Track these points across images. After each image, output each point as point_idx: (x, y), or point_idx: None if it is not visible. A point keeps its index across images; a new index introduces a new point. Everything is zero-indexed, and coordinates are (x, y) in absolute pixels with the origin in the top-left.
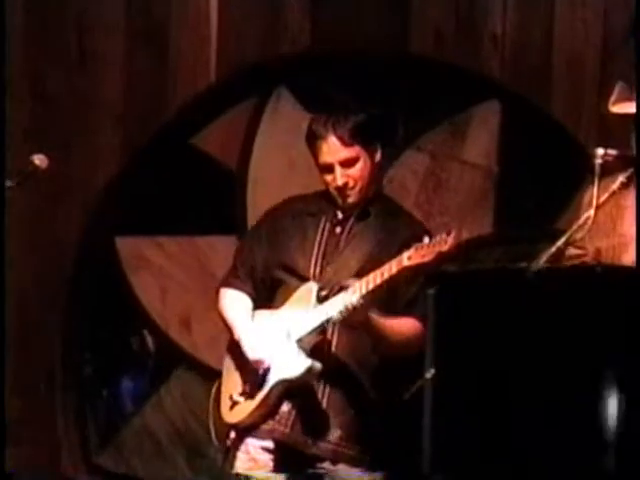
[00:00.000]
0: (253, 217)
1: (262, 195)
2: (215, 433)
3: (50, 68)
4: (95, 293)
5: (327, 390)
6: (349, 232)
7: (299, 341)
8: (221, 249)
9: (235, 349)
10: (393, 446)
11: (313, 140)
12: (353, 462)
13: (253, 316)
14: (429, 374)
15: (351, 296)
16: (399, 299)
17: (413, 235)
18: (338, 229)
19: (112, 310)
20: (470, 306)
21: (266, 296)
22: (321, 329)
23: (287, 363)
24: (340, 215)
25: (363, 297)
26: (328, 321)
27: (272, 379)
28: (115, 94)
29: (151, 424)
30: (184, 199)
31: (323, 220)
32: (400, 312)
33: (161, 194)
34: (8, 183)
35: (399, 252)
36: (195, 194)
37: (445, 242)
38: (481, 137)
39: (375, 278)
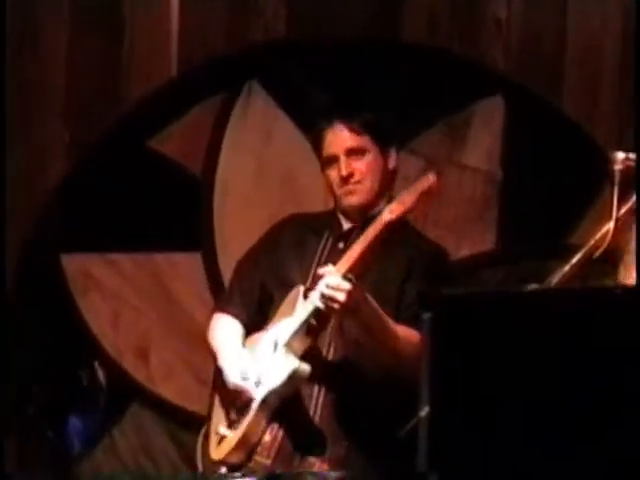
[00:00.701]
0: (220, 230)
1: (231, 204)
2: (203, 468)
3: None
4: (37, 318)
5: (316, 416)
6: (352, 245)
7: (287, 346)
8: (183, 267)
9: (221, 380)
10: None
11: (318, 134)
12: None
13: (244, 343)
14: (424, 412)
15: (332, 276)
16: (400, 314)
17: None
18: (341, 244)
19: (57, 338)
20: (470, 333)
21: (262, 319)
22: (309, 331)
23: (273, 372)
24: (345, 226)
25: (350, 277)
26: (314, 315)
27: (258, 398)
28: (59, 86)
29: (103, 468)
30: (140, 210)
31: (326, 236)
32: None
33: (113, 204)
34: None
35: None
36: (153, 204)
37: (427, 181)
38: (483, 138)
39: (358, 246)
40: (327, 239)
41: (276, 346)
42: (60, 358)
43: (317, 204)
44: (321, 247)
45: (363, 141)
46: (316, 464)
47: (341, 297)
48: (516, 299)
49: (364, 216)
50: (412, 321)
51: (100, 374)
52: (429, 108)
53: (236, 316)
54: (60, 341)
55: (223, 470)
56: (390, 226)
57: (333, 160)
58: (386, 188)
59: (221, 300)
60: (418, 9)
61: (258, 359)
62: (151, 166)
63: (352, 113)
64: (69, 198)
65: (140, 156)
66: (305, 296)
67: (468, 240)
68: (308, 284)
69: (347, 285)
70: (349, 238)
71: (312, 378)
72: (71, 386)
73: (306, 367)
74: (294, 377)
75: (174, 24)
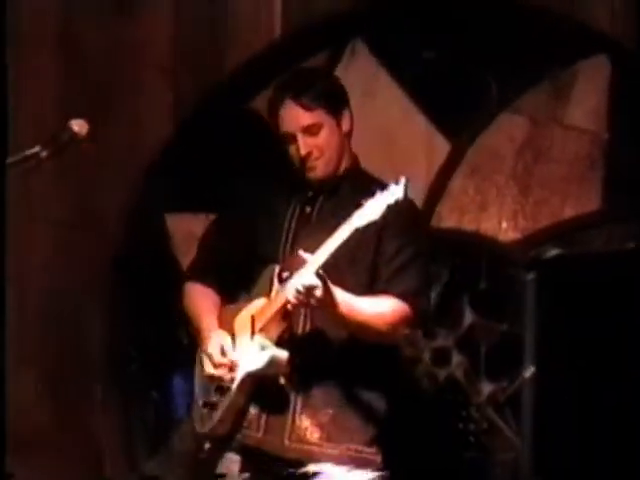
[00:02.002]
0: None
1: None
2: (195, 441)
3: (85, 17)
4: (141, 279)
5: (300, 386)
6: (319, 211)
7: (264, 329)
8: None
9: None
10: (386, 443)
11: (272, 109)
12: (338, 461)
13: (221, 312)
14: (528, 372)
15: (305, 273)
16: (380, 275)
17: None
18: (308, 208)
19: (160, 299)
20: (574, 295)
21: (237, 287)
22: (285, 315)
23: (252, 355)
24: (310, 193)
25: (321, 274)
26: (287, 305)
27: (238, 377)
28: (163, 46)
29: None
30: (242, 170)
31: (294, 200)
32: (379, 289)
33: (216, 164)
34: (43, 154)
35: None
36: (255, 165)
37: (392, 194)
38: (588, 98)
39: (327, 248)
40: (294, 204)
41: (253, 326)
42: (163, 319)
43: (416, 164)
44: (289, 214)
45: (317, 116)
46: (308, 430)
47: (318, 293)
48: (619, 259)
49: (329, 181)
50: (395, 275)
51: None
52: (533, 67)
53: (208, 284)
54: (163, 302)
55: (207, 445)
56: (358, 231)
57: (290, 138)
58: (344, 150)
59: (191, 269)
60: None
61: (236, 338)
62: (253, 127)
63: (302, 88)
64: (172, 158)
65: (243, 117)
66: (280, 278)
67: (573, 200)
68: (280, 259)
69: (320, 283)
70: (315, 202)
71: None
72: (174, 347)
73: (284, 354)
74: (272, 364)
75: None
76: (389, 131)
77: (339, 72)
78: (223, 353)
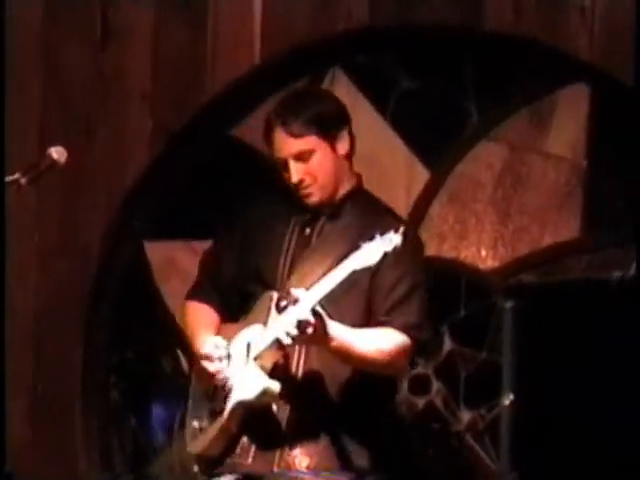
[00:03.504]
0: None
1: None
2: (180, 463)
3: (66, 44)
4: (121, 305)
5: (292, 415)
6: (319, 234)
7: (258, 358)
8: None
9: (196, 370)
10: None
11: (265, 135)
12: None
13: (219, 330)
14: (507, 399)
15: (300, 310)
16: (379, 307)
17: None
18: (307, 230)
19: (141, 325)
20: (552, 322)
21: (237, 308)
22: (280, 345)
23: (245, 383)
24: (310, 214)
25: (317, 311)
26: (284, 337)
27: (231, 402)
28: (144, 73)
29: (185, 457)
30: (224, 197)
31: (293, 221)
32: (379, 322)
33: (197, 192)
34: (22, 180)
35: None
36: (236, 192)
37: (390, 241)
38: (567, 126)
39: (322, 286)
40: (294, 226)
41: (248, 353)
42: (143, 345)
43: (398, 190)
44: (288, 236)
45: (308, 142)
46: (297, 458)
47: (309, 330)
48: (598, 287)
49: (328, 204)
50: (395, 308)
51: (182, 361)
52: (513, 95)
53: (208, 302)
54: (143, 328)
55: (195, 469)
56: (354, 273)
57: (283, 164)
58: (343, 172)
59: (192, 289)
60: None
61: (233, 358)
62: (234, 154)
63: (290, 116)
64: (152, 185)
65: (223, 144)
66: (277, 307)
67: (552, 228)
68: (278, 281)
69: (313, 319)
70: (315, 224)
71: (283, 391)
72: (154, 373)
73: (276, 386)
74: (263, 395)
75: (257, 11)
76: (369, 159)
77: None
78: (217, 347)
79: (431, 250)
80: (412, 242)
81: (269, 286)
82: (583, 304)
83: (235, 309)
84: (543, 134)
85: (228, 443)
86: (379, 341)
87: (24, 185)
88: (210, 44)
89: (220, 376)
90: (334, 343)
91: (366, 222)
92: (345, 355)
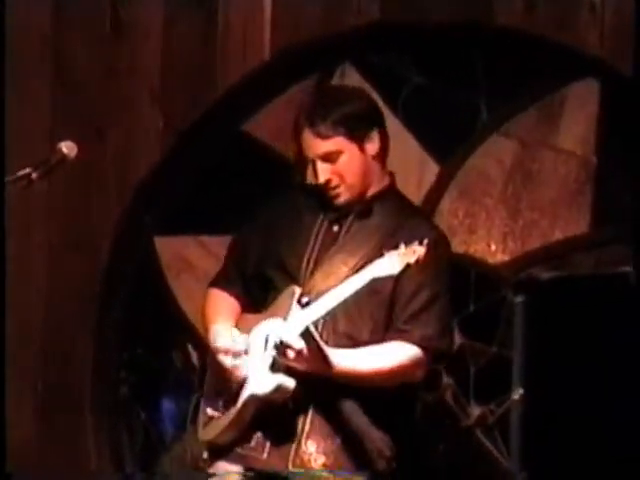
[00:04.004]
0: None
1: None
2: (191, 452)
3: (76, 41)
4: (131, 301)
5: (309, 413)
6: (347, 232)
7: (275, 353)
8: None
9: (213, 359)
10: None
11: (295, 134)
12: None
13: (239, 320)
14: (517, 394)
15: (313, 314)
16: (399, 315)
17: (416, 239)
18: (336, 227)
19: (151, 321)
20: (562, 317)
21: (259, 297)
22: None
23: (260, 377)
24: (339, 211)
25: (312, 334)
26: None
27: (245, 393)
28: (154, 70)
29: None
30: (233, 193)
31: (321, 216)
32: (398, 329)
33: (207, 187)
34: (33, 175)
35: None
36: (246, 187)
37: (413, 252)
38: (577, 122)
39: (340, 293)
40: (322, 221)
41: (266, 346)
42: (153, 341)
43: (409, 185)
44: (315, 230)
45: (335, 143)
46: (312, 456)
47: (291, 355)
48: (607, 282)
49: (357, 203)
50: (412, 319)
51: (193, 356)
52: (523, 91)
53: (230, 291)
54: (153, 324)
55: (205, 455)
56: (374, 280)
57: (310, 163)
58: (372, 173)
59: (216, 275)
60: None
61: (250, 349)
62: (244, 150)
63: (318, 117)
64: (163, 182)
65: (233, 140)
66: (299, 301)
67: (562, 223)
68: (301, 276)
69: (300, 345)
70: (344, 222)
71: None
72: (164, 368)
73: (290, 383)
74: (277, 391)
75: (267, 7)
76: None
77: None
78: (235, 341)
79: None
80: (437, 251)
81: (291, 277)
82: (593, 299)
83: (257, 297)
84: (553, 129)
85: (240, 433)
86: (385, 358)
87: (35, 180)
88: (220, 41)
89: (237, 372)
90: (336, 370)
91: (395, 223)
92: (350, 379)
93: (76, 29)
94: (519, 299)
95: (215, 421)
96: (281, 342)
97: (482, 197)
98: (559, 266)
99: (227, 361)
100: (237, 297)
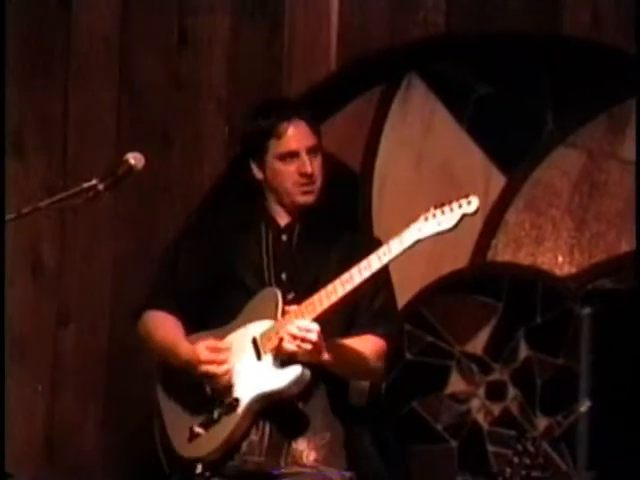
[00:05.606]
0: (378, 223)
1: (389, 197)
2: (167, 464)
3: (143, 50)
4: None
5: (299, 409)
6: (299, 239)
7: (276, 350)
8: None
9: (176, 376)
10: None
11: (274, 130)
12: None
13: (192, 338)
14: (584, 406)
15: (301, 320)
16: (360, 320)
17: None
18: (284, 237)
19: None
20: (629, 329)
21: (200, 314)
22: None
23: (263, 376)
24: (282, 221)
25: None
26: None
27: (245, 398)
28: (220, 80)
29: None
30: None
31: (263, 230)
32: (361, 327)
33: None
34: (100, 187)
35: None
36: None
37: (468, 204)
38: None
39: (325, 298)
40: (266, 233)
41: (256, 347)
42: None
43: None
44: (264, 241)
45: (317, 140)
46: (304, 452)
47: (313, 337)
48: None
49: (305, 209)
50: (377, 318)
51: None
52: (590, 101)
53: (168, 310)
54: None
55: (199, 468)
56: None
57: (293, 155)
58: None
59: (149, 298)
60: (580, 3)
61: (232, 357)
62: None
63: (305, 112)
64: (228, 191)
65: None
66: (285, 300)
67: (629, 235)
68: (271, 285)
69: (317, 326)
70: (292, 232)
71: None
72: None
73: (308, 372)
74: (297, 382)
75: (334, 17)
76: (446, 164)
77: (397, 104)
78: (216, 350)
79: (507, 256)
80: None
81: (250, 290)
82: None
83: (191, 315)
84: (620, 140)
85: (235, 446)
86: (363, 350)
87: (101, 191)
88: (286, 50)
89: (227, 377)
90: (325, 357)
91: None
92: (334, 366)
93: (143, 38)
94: (586, 311)
95: (204, 436)
96: (291, 335)
97: (548, 209)
98: (626, 278)
99: (215, 370)
100: (175, 314)
